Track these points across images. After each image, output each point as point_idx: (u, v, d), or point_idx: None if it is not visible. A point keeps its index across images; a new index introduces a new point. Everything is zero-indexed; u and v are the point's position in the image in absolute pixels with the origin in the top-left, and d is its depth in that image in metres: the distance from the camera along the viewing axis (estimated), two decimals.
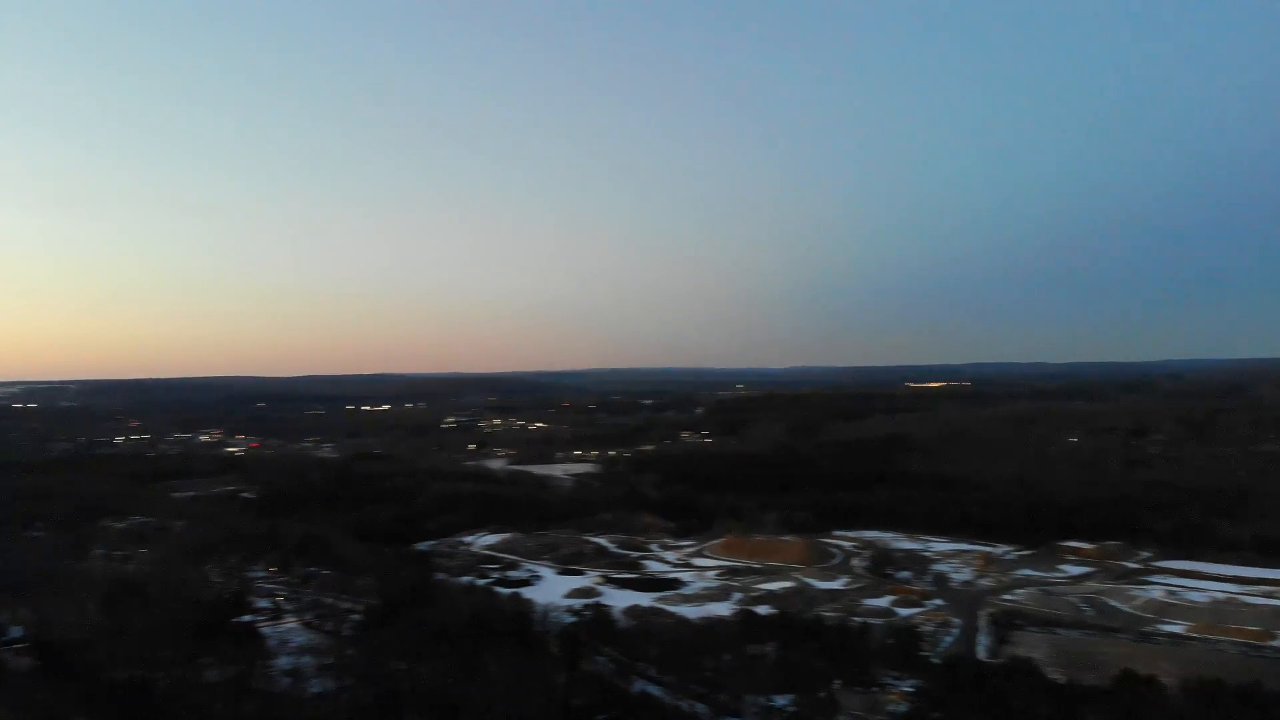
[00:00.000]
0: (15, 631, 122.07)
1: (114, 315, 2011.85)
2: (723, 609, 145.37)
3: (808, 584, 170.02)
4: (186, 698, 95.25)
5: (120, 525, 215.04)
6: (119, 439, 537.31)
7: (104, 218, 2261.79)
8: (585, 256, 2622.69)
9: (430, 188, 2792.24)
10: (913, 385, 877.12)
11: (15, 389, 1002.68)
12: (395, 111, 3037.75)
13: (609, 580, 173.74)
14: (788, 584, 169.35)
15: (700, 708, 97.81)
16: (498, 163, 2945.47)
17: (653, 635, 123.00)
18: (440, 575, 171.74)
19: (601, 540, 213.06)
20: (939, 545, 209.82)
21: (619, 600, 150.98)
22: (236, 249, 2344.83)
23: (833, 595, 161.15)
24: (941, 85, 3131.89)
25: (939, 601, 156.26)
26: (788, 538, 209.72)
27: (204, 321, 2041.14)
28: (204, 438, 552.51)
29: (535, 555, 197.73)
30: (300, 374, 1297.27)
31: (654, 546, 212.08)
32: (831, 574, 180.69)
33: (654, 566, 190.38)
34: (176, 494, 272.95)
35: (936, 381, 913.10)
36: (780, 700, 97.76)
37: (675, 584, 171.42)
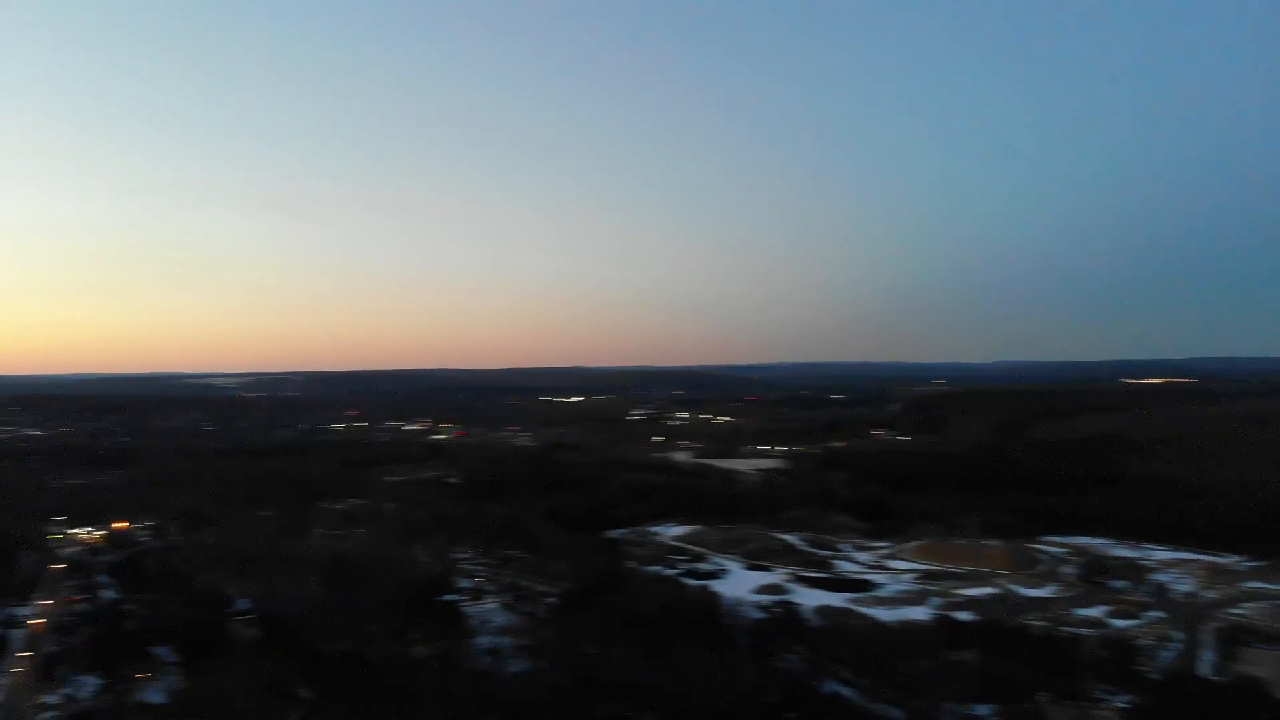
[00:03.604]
0: (242, 604, 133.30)
1: (333, 311, 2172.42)
2: (919, 613, 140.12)
3: (1012, 591, 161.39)
4: (396, 671, 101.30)
5: (338, 507, 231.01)
6: (337, 426, 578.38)
7: (323, 222, 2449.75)
8: (770, 249, 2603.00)
9: (622, 190, 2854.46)
10: (1130, 381, 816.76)
11: (245, 380, 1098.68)
12: (580, 118, 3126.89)
13: (798, 578, 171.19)
14: (990, 590, 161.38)
15: (895, 713, 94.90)
16: (684, 163, 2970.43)
17: (845, 636, 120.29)
18: (630, 564, 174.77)
19: (790, 537, 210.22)
20: (1159, 554, 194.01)
21: (809, 599, 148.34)
22: (442, 250, 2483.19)
23: (1039, 603, 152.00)
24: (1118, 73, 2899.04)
25: (1158, 613, 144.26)
26: (991, 542, 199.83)
27: (413, 317, 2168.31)
28: (413, 426, 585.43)
29: (723, 549, 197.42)
30: (499, 367, 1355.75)
31: (845, 546, 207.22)
32: (1038, 581, 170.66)
33: (845, 567, 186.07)
34: (388, 478, 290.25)
35: (1157, 377, 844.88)
36: (981, 710, 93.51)
37: (868, 585, 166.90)
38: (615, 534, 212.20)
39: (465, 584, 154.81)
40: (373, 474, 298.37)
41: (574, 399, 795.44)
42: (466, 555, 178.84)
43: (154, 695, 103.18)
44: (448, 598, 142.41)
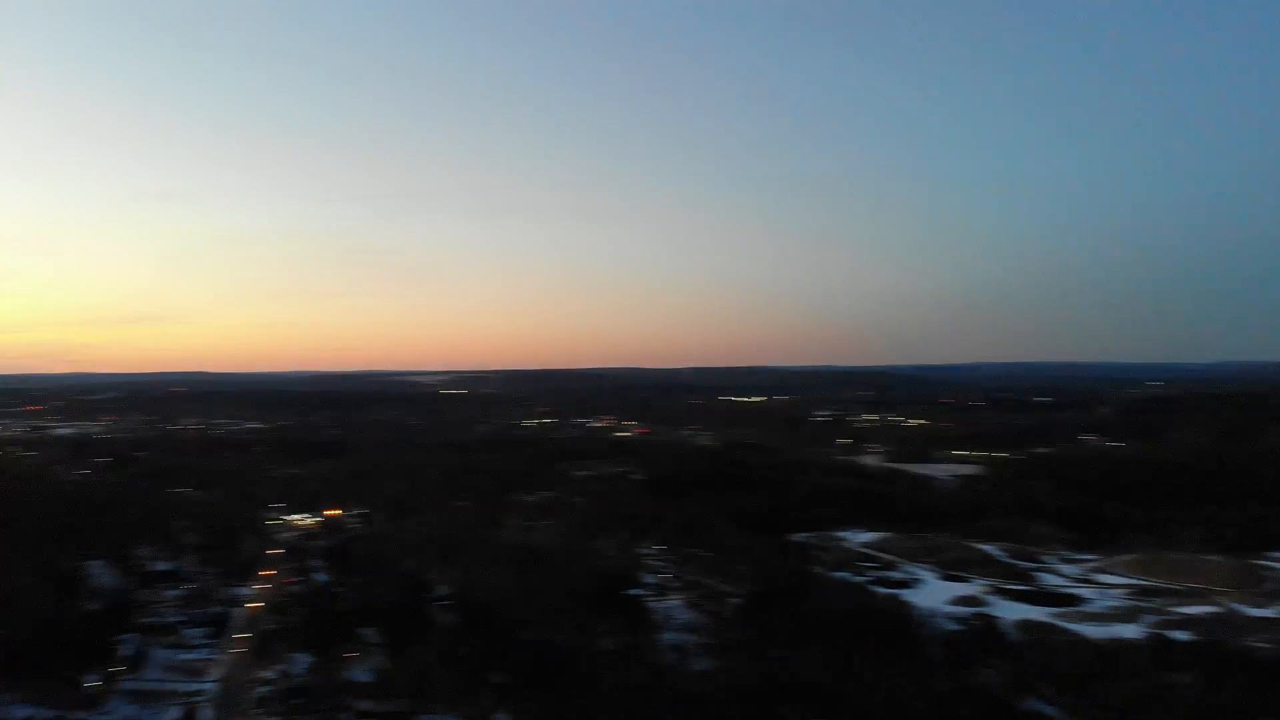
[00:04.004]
0: (442, 590, 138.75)
1: (527, 312, 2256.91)
2: (1130, 632, 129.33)
3: (1235, 610, 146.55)
4: (584, 661, 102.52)
5: (529, 499, 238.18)
6: (529, 422, 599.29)
7: (518, 226, 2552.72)
8: (967, 242, 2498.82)
9: (811, 191, 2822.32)
10: None
11: (446, 377, 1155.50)
12: (754, 120, 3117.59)
13: (998, 590, 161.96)
14: (1210, 609, 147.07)
15: None
16: (874, 162, 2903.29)
17: (1048, 653, 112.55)
18: (815, 568, 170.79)
19: (989, 548, 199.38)
20: None
21: (1008, 612, 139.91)
22: (629, 251, 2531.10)
23: (1266, 625, 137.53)
24: None
25: None
26: (1212, 557, 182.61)
27: (601, 317, 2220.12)
28: (599, 423, 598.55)
29: (915, 557, 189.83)
30: (683, 366, 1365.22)
31: (1049, 558, 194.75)
32: (1265, 600, 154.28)
33: (1049, 580, 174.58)
34: (575, 473, 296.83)
35: None
36: None
37: (1074, 600, 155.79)
38: (799, 537, 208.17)
39: (649, 580, 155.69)
40: (561, 469, 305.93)
41: (756, 399, 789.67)
42: (650, 551, 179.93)
43: (360, 674, 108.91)
44: (633, 592, 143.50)
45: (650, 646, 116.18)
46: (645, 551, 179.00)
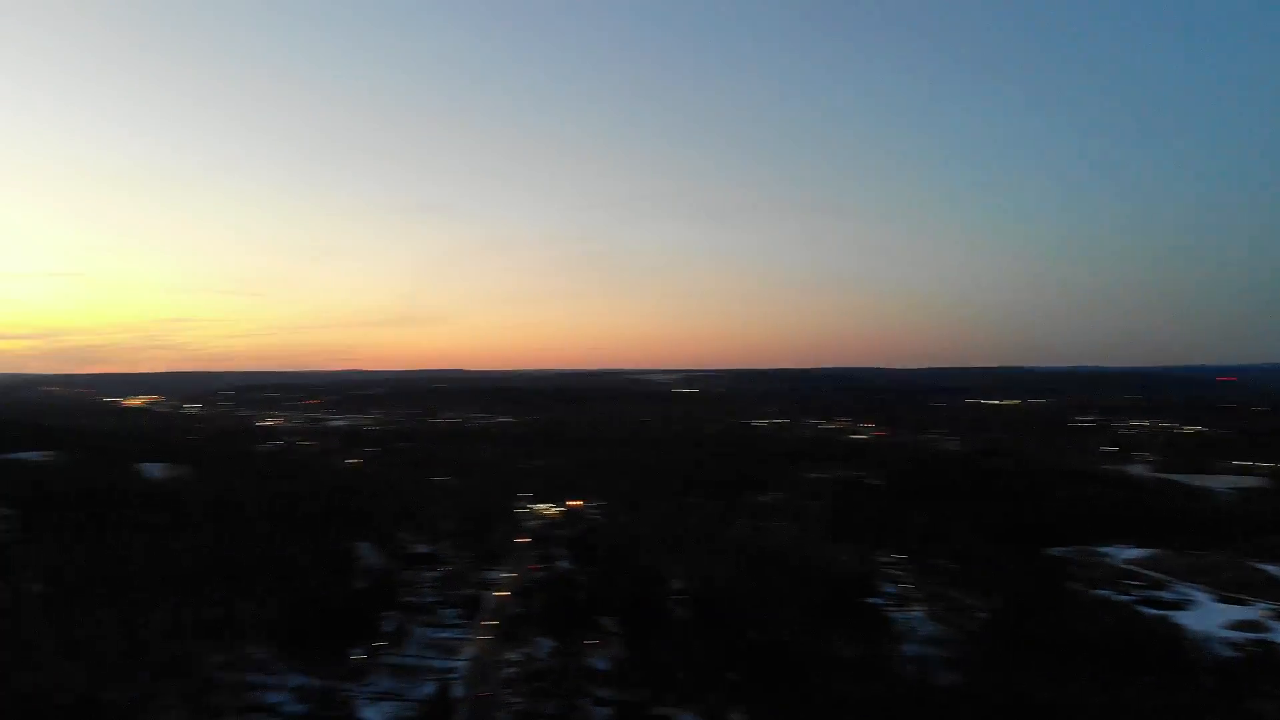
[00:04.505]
0: (678, 584, 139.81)
1: (759, 311, 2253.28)
2: None
3: None
4: (819, 667, 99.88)
5: (763, 499, 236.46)
6: (761, 422, 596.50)
7: (748, 227, 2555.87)
8: (1234, 226, 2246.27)
9: (1051, 176, 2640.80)
10: None
11: (679, 376, 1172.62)
12: (984, 118, 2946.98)
13: None
14: None
15: None
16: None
17: None
18: (1073, 584, 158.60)
19: (1272, 568, 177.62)
20: None
21: None
22: (862, 249, 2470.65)
23: None
24: None
25: None
26: None
27: (834, 315, 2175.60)
28: (833, 424, 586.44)
29: (1187, 577, 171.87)
30: (922, 366, 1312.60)
31: None
32: None
33: None
34: (810, 475, 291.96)
35: None
36: None
37: None
38: (1055, 551, 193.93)
39: (889, 589, 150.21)
40: (795, 470, 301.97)
41: (1006, 402, 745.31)
42: (890, 559, 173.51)
43: (600, 662, 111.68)
44: (872, 600, 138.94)
45: (890, 657, 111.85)
46: (885, 559, 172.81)
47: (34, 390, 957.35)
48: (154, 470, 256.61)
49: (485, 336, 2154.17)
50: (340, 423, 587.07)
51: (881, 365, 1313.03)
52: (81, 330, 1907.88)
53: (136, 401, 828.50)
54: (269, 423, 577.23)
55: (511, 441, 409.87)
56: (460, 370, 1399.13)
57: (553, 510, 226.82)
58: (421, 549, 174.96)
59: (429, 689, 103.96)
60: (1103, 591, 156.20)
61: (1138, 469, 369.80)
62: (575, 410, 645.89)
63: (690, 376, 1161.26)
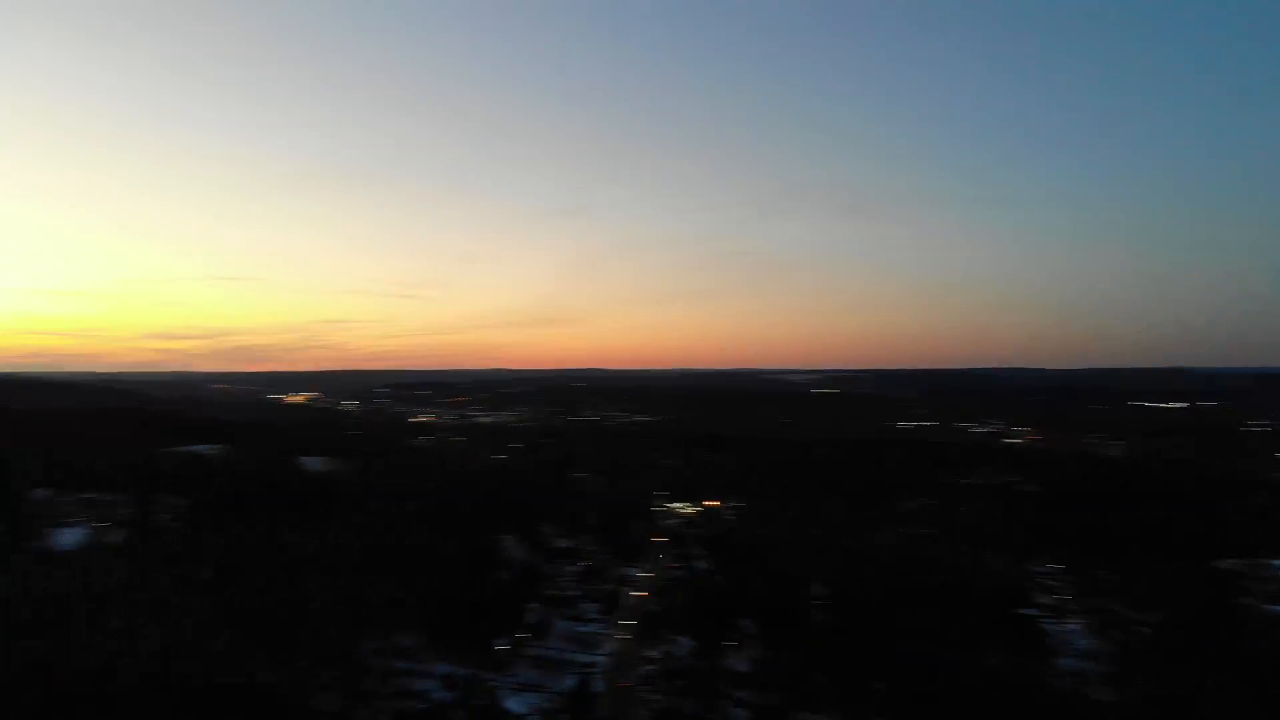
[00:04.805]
0: (819, 589, 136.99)
1: (902, 310, 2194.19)
2: None
3: None
4: (965, 679, 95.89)
5: (909, 504, 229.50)
6: (906, 424, 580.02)
7: (887, 222, 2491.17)
8: None
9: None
10: None
11: (817, 376, 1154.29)
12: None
13: None
14: None
15: None
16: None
17: None
18: (1244, 599, 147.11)
19: None
20: None
21: None
22: (1020, 245, 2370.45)
23: None
24: None
25: None
26: None
27: (983, 313, 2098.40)
28: (985, 428, 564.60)
29: None
30: (1079, 367, 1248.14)
31: None
32: None
33: None
34: (959, 480, 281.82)
35: None
36: None
37: None
38: (1225, 564, 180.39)
39: (1044, 599, 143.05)
40: (944, 475, 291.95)
41: (1173, 405, 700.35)
42: (1045, 569, 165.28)
43: (739, 664, 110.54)
44: (1025, 611, 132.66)
45: (1044, 671, 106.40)
46: (1039, 569, 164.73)
47: (205, 387, 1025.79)
48: (314, 463, 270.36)
49: (623, 336, 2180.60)
50: (486, 420, 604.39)
51: (1036, 365, 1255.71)
52: (248, 330, 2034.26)
53: (298, 398, 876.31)
54: (421, 419, 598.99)
55: (649, 440, 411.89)
56: (599, 369, 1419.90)
57: (690, 509, 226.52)
58: (563, 544, 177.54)
59: (570, 682, 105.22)
60: (1276, 608, 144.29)
61: None
62: (712, 410, 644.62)
63: (831, 376, 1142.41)
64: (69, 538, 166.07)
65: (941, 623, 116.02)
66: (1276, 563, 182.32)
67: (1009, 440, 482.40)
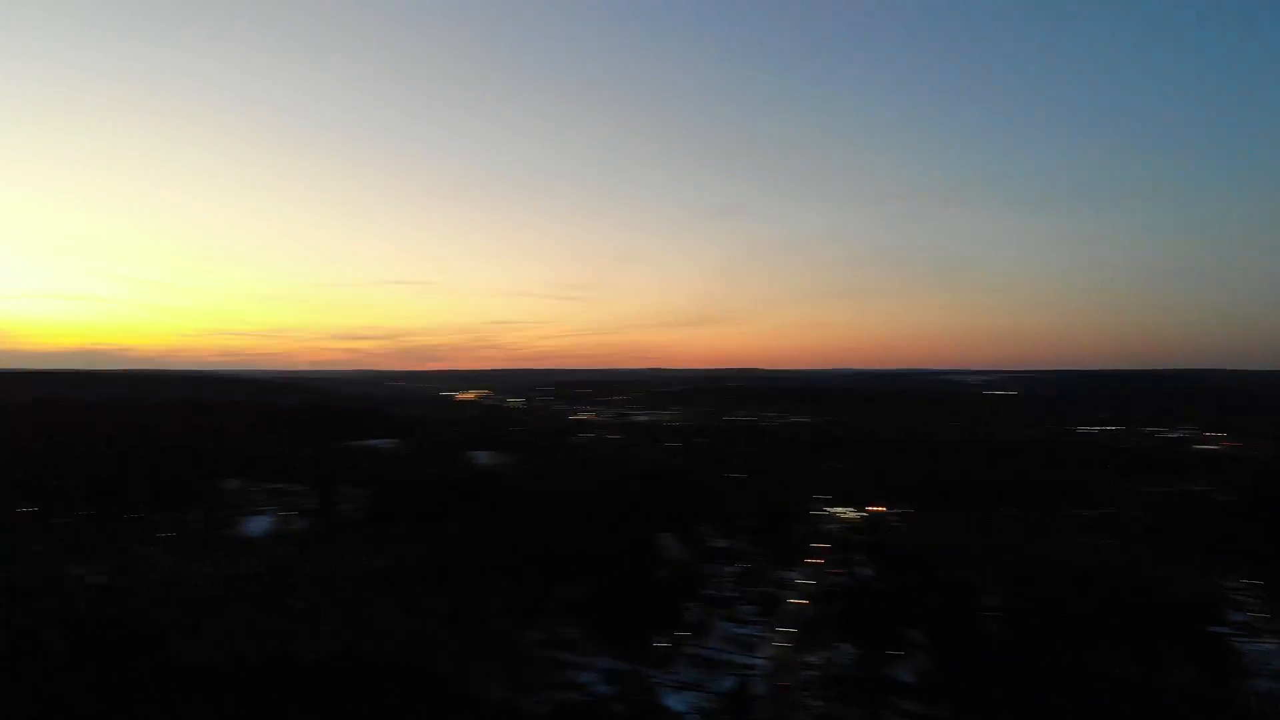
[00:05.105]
0: (991, 600, 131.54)
1: (1084, 308, 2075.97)
2: None
3: None
4: (1150, 697, 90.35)
5: (1089, 513, 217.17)
6: (1088, 429, 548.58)
7: (1067, 216, 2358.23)
8: None
9: None
10: None
11: (992, 377, 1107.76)
12: None
13: None
14: None
15: None
16: None
17: None
18: None
19: None
20: None
21: None
22: (1211, 237, 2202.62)
23: None
24: None
25: None
26: None
27: (1176, 310, 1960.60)
28: (1175, 433, 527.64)
29: None
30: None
31: None
32: None
33: None
34: (1144, 488, 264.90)
35: None
36: None
37: None
38: None
39: (1237, 616, 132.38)
40: (1128, 482, 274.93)
41: None
42: (1239, 584, 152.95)
43: (904, 674, 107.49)
44: (1216, 629, 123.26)
45: (1236, 691, 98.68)
46: (1233, 584, 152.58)
47: (384, 385, 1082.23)
48: (482, 457, 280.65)
49: (780, 335, 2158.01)
50: (643, 418, 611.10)
51: (1234, 366, 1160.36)
52: (422, 331, 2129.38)
53: (468, 395, 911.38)
54: (581, 417, 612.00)
55: (808, 442, 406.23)
56: (755, 369, 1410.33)
57: (852, 514, 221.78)
58: (720, 544, 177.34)
59: (730, 683, 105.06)
60: None
61: None
62: (875, 412, 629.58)
63: (1006, 377, 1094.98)
64: (258, 525, 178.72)
65: (1123, 637, 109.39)
66: None
67: (1201, 446, 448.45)
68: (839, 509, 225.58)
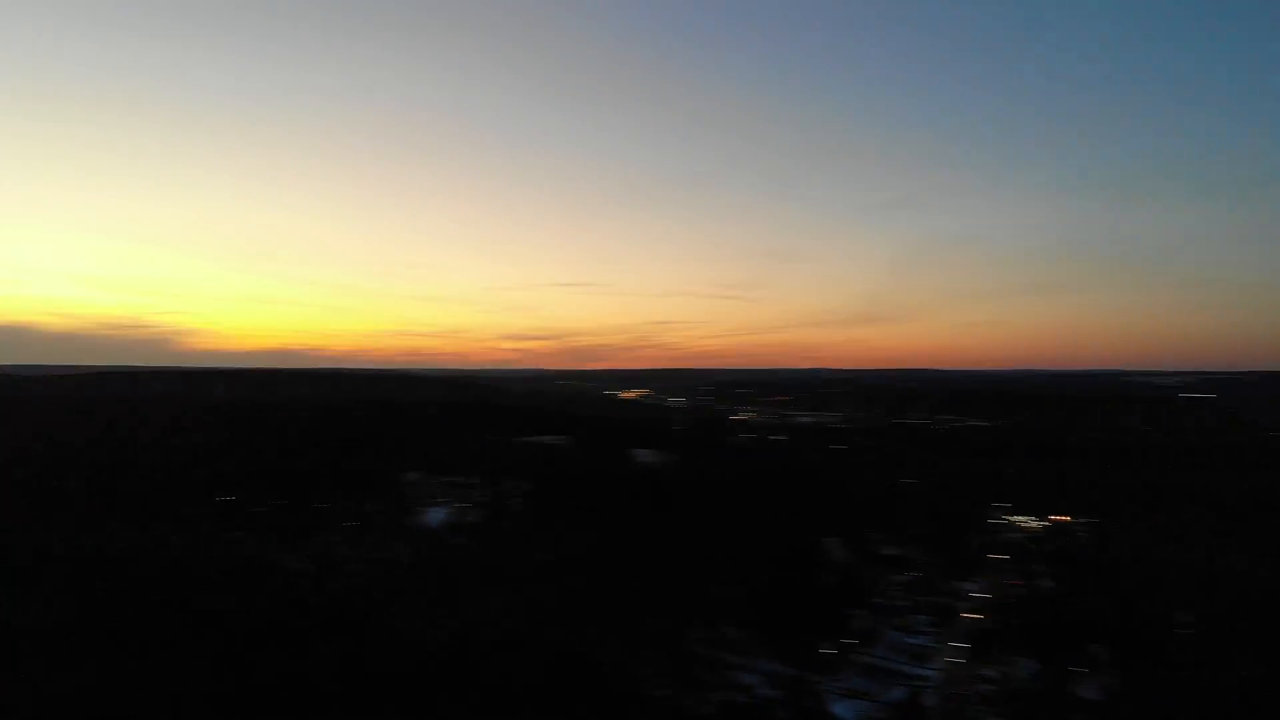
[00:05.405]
0: (1181, 615, 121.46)
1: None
2: None
3: None
4: None
5: None
6: None
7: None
8: None
9: None
10: None
11: (1188, 378, 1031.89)
12: None
13: None
14: None
15: None
16: None
17: None
18: None
19: None
20: None
21: None
22: None
23: None
24: None
25: None
26: None
27: None
28: None
29: None
30: None
31: None
32: None
33: None
34: None
35: None
36: None
37: None
38: None
39: None
40: None
41: None
42: None
43: (1088, 691, 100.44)
44: None
45: None
46: None
47: (551, 383, 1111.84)
48: (644, 455, 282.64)
49: (954, 334, 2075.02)
50: (807, 420, 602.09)
51: None
52: (587, 332, 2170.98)
53: (630, 394, 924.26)
54: (742, 417, 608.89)
55: (984, 446, 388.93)
56: (927, 369, 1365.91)
57: (1033, 523, 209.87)
58: (890, 550, 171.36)
59: (899, 694, 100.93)
60: None
61: None
62: (1057, 414, 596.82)
63: (1203, 379, 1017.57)
64: (435, 516, 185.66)
65: None
66: None
67: None
68: (1018, 517, 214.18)
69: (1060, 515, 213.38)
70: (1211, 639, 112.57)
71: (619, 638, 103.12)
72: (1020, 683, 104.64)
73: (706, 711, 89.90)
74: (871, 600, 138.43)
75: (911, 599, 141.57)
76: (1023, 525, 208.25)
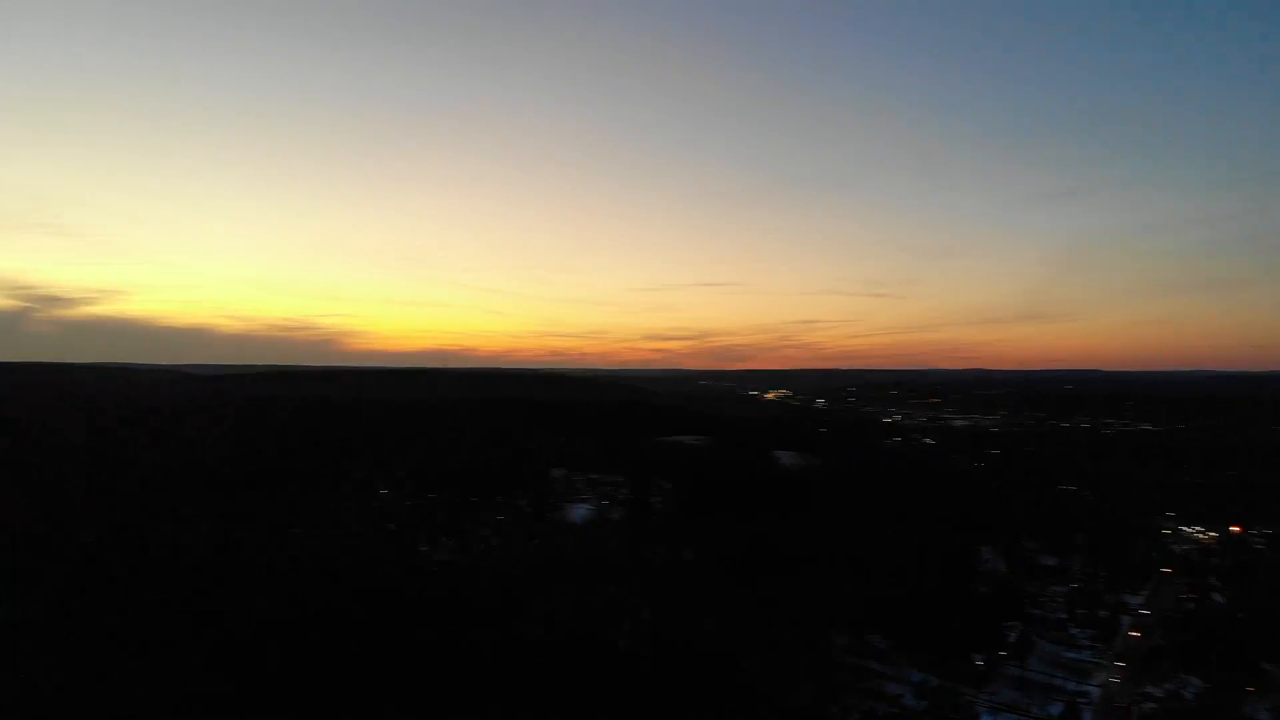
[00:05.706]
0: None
1: None
2: None
3: None
4: None
5: None
6: None
7: None
8: None
9: None
10: None
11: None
12: None
13: None
14: None
15: None
16: None
17: None
18: None
19: None
20: None
21: None
22: None
23: None
24: None
25: None
26: None
27: None
28: None
29: None
30: None
31: None
32: None
33: None
34: None
35: None
36: None
37: None
38: None
39: None
40: None
41: None
42: None
43: (1260, 712, 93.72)
44: None
45: None
46: None
47: (692, 383, 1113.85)
48: (785, 457, 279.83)
49: (1123, 333, 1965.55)
50: (961, 422, 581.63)
51: None
52: (727, 332, 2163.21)
53: (771, 395, 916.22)
54: (890, 419, 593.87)
55: (1155, 452, 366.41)
56: (1093, 370, 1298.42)
57: (1205, 535, 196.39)
58: (1048, 561, 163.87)
59: (1056, 709, 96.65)
60: None
61: None
62: (1237, 419, 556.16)
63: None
64: (578, 512, 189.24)
65: None
66: None
67: None
68: (1190, 528, 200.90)
69: (1236, 526, 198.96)
70: None
71: (762, 640, 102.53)
72: (1186, 702, 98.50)
73: None
74: (1027, 611, 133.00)
75: (1071, 611, 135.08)
76: (1194, 536, 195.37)
